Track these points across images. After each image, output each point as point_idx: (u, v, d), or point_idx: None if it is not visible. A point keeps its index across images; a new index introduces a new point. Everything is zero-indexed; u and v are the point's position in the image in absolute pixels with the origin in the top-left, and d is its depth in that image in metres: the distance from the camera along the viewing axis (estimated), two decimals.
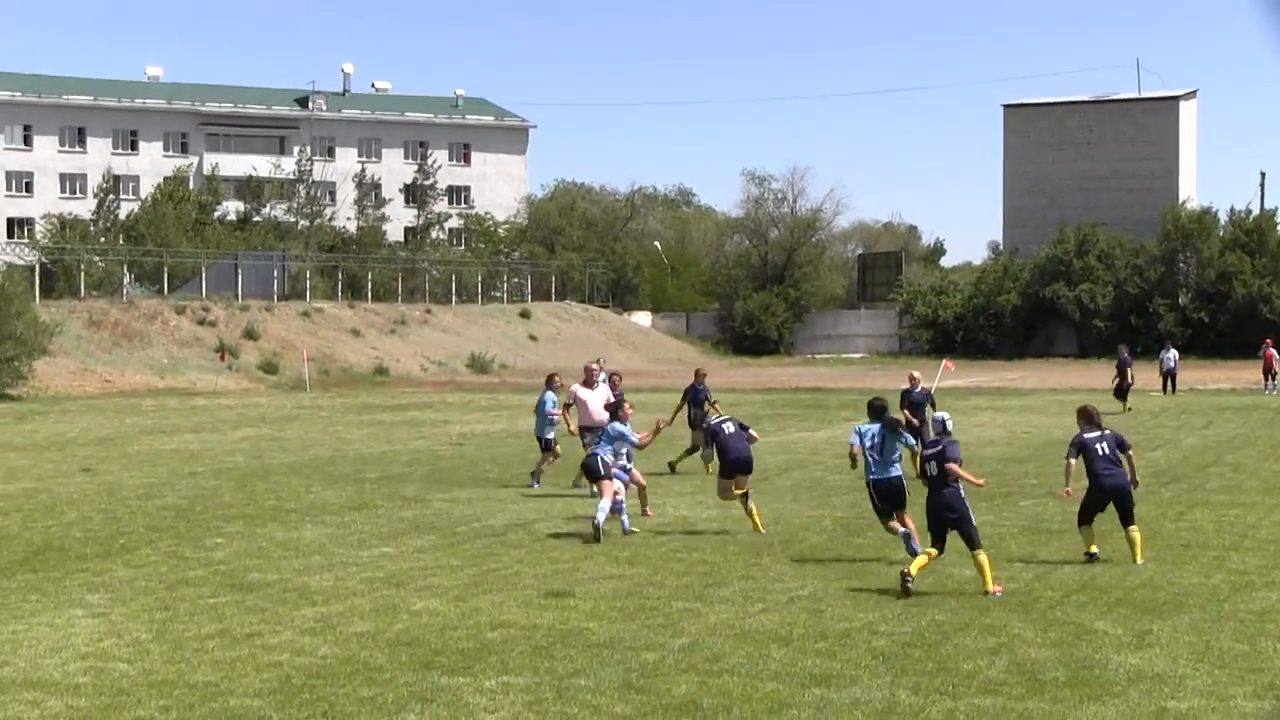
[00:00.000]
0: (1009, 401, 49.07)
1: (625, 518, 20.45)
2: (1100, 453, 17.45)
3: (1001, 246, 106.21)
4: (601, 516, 19.83)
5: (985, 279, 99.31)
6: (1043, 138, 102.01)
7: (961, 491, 16.12)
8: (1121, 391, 45.29)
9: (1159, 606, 15.03)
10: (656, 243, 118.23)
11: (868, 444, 17.85)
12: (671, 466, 28.14)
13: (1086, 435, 17.64)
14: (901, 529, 17.81)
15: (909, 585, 15.48)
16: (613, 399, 24.94)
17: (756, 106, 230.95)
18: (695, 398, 29.32)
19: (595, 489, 20.95)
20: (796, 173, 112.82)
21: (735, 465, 20.36)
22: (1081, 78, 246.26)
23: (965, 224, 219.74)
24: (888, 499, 17.81)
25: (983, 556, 15.77)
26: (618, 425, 21.27)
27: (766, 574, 17.02)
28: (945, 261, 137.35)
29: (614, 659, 12.83)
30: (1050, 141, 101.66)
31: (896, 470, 17.85)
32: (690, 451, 28.40)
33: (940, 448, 16.22)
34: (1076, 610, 14.80)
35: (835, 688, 11.88)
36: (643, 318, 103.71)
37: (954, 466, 16.05)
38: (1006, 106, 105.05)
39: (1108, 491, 17.44)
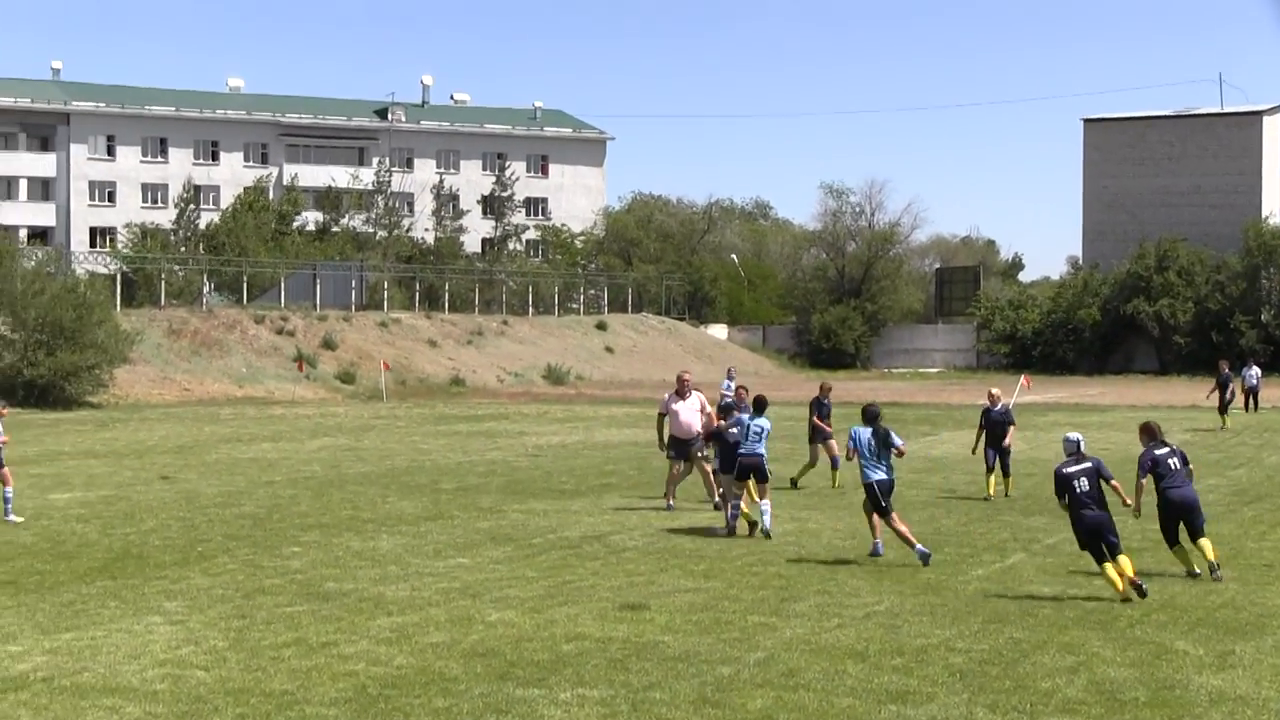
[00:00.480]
0: (1088, 418, 48.58)
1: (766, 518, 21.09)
2: (1172, 467, 17.62)
3: (1081, 261, 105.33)
4: (768, 519, 20.96)
5: (1064, 294, 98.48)
6: (1123, 152, 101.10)
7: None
8: (1223, 407, 45.04)
9: (1241, 627, 14.82)
10: (733, 255, 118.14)
11: (864, 448, 18.89)
12: (793, 482, 27.97)
13: (1157, 452, 17.75)
14: (918, 546, 18.64)
15: (1143, 587, 16.01)
16: (707, 409, 24.85)
17: (834, 119, 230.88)
18: (820, 411, 28.84)
19: (750, 493, 21.66)
20: (874, 186, 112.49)
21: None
22: (1163, 92, 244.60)
23: (1044, 239, 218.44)
24: (887, 495, 18.82)
25: (1125, 560, 16.41)
26: (765, 421, 21.72)
27: (842, 589, 16.91)
28: (1024, 276, 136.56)
29: (689, 672, 12.77)
30: (1131, 156, 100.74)
31: (888, 472, 18.88)
32: (810, 466, 28.55)
33: (1092, 465, 16.84)
34: (1157, 630, 14.61)
35: (912, 704, 11.78)
36: (719, 330, 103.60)
37: (1116, 484, 17.00)
38: (1086, 121, 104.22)
39: (1175, 505, 17.51)
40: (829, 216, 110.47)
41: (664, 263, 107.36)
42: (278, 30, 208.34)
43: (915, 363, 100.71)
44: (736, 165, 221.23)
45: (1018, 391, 42.51)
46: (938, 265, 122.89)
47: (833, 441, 28.30)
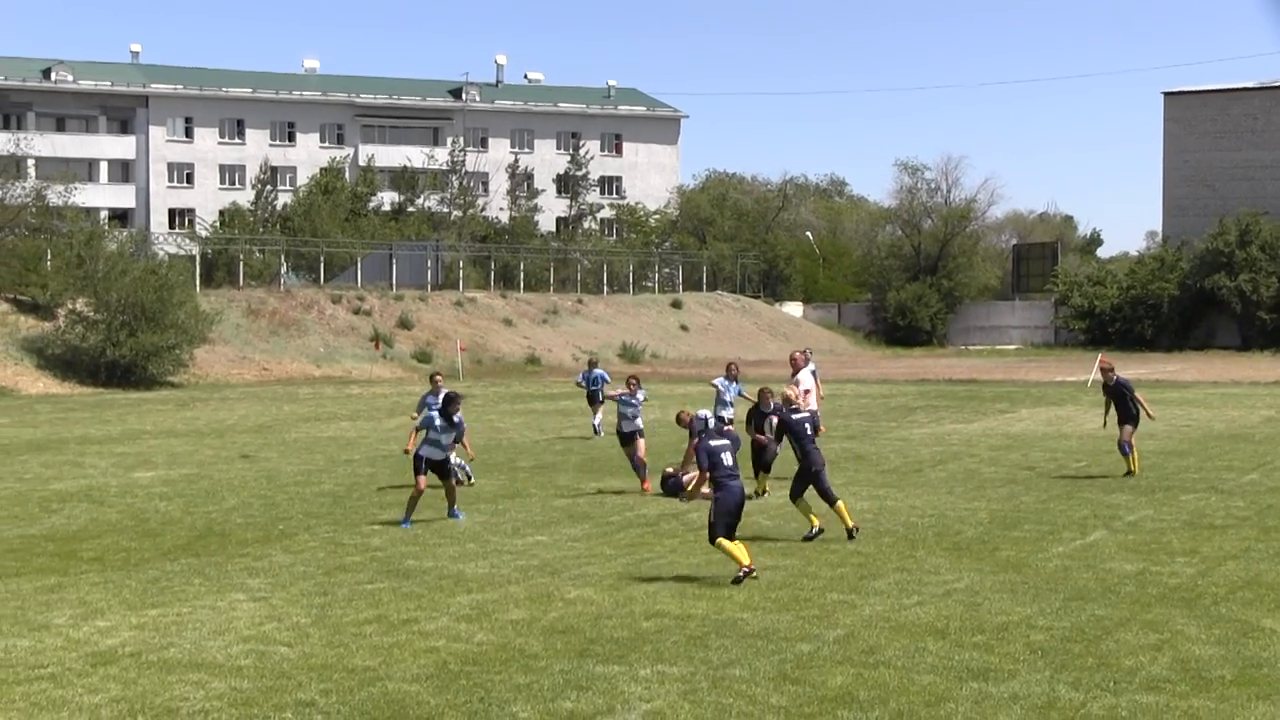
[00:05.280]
0: (1168, 394, 48.12)
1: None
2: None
3: (1161, 236, 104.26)
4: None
5: (1142, 269, 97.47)
6: (1205, 125, 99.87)
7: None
8: None
9: None
10: (808, 233, 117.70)
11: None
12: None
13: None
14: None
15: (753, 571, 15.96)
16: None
17: (910, 95, 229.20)
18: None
19: None
20: (950, 162, 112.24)
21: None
22: (1246, 63, 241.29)
23: (1123, 214, 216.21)
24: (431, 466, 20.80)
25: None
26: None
27: (921, 566, 16.84)
28: (1102, 252, 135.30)
29: (769, 650, 12.76)
30: (1212, 129, 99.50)
31: (444, 453, 20.80)
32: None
33: (732, 440, 16.80)
34: (1242, 607, 14.44)
35: (993, 681, 11.71)
36: (794, 308, 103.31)
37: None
38: (1167, 94, 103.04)
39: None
40: (905, 193, 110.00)
41: (739, 241, 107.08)
42: (353, 11, 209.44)
43: (992, 340, 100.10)
44: (811, 142, 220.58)
45: (1095, 370, 42.08)
46: (1015, 242, 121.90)
47: None
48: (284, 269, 77.57)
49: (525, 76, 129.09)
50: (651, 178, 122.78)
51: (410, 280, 79.75)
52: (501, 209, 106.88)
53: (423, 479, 20.56)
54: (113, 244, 65.19)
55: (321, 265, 78.30)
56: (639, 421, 25.04)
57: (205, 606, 14.83)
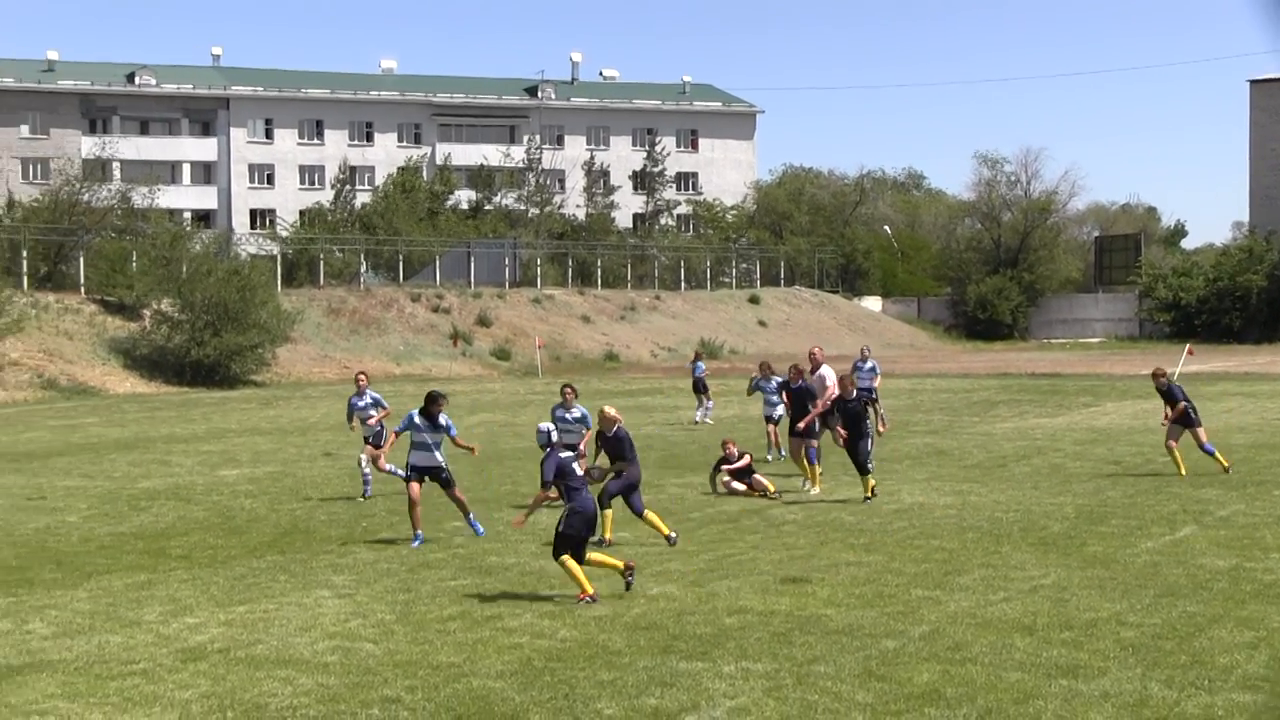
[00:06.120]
0: (1258, 387, 47.48)
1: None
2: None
3: (1248, 226, 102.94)
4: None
5: (1228, 260, 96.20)
6: None
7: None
8: None
9: None
10: (886, 227, 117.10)
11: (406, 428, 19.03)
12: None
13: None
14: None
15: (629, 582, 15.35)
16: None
17: (988, 87, 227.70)
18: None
19: None
20: (1030, 154, 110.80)
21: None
22: None
23: (1208, 205, 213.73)
24: (424, 474, 18.84)
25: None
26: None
27: (1007, 562, 16.67)
28: (1186, 243, 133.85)
29: (853, 646, 12.67)
30: None
31: (438, 459, 18.89)
32: None
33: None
34: None
35: (1083, 679, 11.57)
36: (873, 303, 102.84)
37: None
38: (1253, 82, 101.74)
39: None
40: (984, 186, 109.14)
41: (816, 235, 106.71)
42: (429, 11, 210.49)
43: (1075, 333, 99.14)
44: (888, 136, 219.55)
45: (1182, 361, 41.64)
46: (1097, 233, 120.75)
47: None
48: (363, 268, 78.07)
49: (600, 74, 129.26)
50: (728, 173, 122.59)
51: (488, 278, 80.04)
52: (578, 206, 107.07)
53: (415, 485, 18.73)
54: (197, 245, 65.89)
55: (400, 264, 78.71)
56: (576, 438, 20.60)
57: (291, 603, 14.93)
